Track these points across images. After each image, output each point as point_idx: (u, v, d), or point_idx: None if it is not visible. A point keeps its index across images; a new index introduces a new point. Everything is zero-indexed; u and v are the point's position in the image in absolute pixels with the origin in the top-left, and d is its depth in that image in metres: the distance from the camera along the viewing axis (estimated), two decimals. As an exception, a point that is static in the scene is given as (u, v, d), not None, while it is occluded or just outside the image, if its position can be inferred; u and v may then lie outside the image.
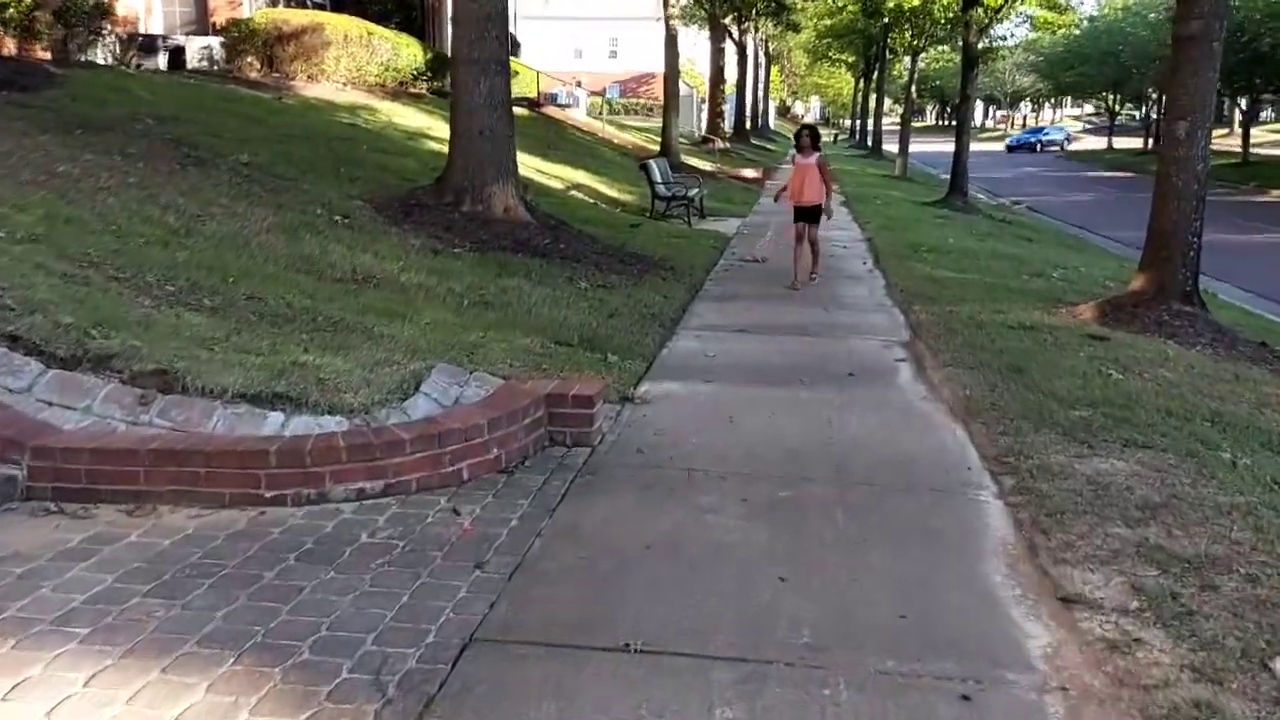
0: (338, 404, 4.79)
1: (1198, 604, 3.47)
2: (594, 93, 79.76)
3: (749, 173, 26.27)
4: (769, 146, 46.48)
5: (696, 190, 16.06)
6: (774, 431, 5.40)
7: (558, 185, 15.94)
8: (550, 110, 27.03)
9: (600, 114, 59.80)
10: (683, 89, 44.34)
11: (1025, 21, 30.50)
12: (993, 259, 13.53)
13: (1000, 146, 70.12)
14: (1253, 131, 63.16)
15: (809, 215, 10.29)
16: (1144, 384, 6.58)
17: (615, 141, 26.13)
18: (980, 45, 21.38)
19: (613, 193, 17.21)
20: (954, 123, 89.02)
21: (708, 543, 3.96)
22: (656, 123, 24.72)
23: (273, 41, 18.96)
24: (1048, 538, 4.03)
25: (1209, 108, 8.67)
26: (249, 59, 18.79)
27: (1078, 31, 49.46)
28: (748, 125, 48.11)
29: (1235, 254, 19.51)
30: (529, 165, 16.99)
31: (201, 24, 21.26)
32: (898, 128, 43.45)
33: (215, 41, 19.54)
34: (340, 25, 19.74)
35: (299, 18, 19.46)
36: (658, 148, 23.75)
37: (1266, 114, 66.32)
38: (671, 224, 14.86)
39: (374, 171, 11.76)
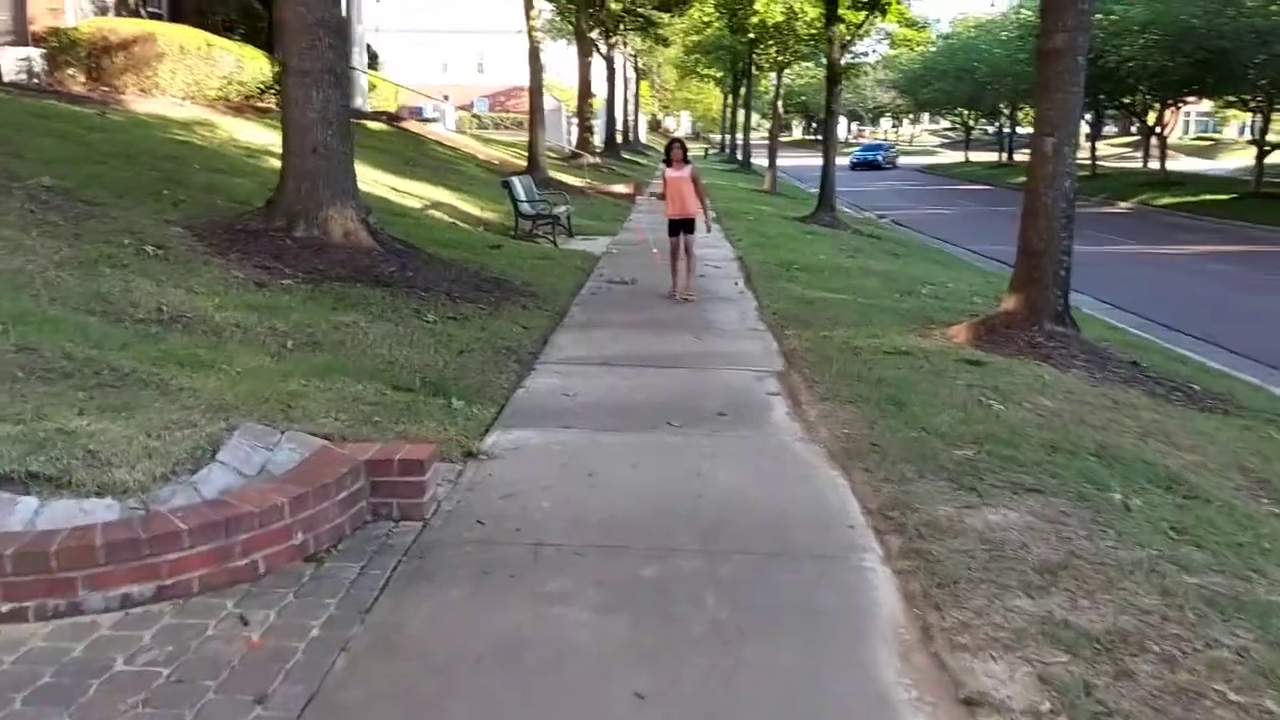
0: (109, 483, 3.94)
1: (1114, 699, 3.01)
2: (461, 107, 78.47)
3: (620, 188, 25.81)
4: (641, 161, 46.29)
5: (563, 208, 15.44)
6: (638, 487, 4.79)
7: (415, 204, 15.05)
8: (411, 125, 25.99)
9: (467, 128, 58.73)
10: (551, 103, 43.71)
11: (885, 38, 31.09)
12: (863, 276, 13.35)
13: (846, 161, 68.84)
14: (1096, 145, 66.88)
15: (687, 227, 10.44)
16: (1025, 415, 6.26)
17: (480, 157, 25.28)
18: (843, 61, 21.47)
19: (476, 211, 16.41)
20: (820, 137, 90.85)
21: (554, 646, 3.30)
22: (525, 137, 24.10)
23: (99, 53, 17.43)
24: (942, 615, 3.54)
25: (1075, 123, 8.57)
26: (71, 71, 17.22)
27: (933, 49, 51.26)
28: (619, 140, 47.85)
29: (1092, 266, 20.07)
30: (384, 183, 16.05)
31: (20, 34, 19.41)
32: (766, 142, 44.03)
33: (35, 53, 17.84)
34: (175, 36, 18.33)
35: (128, 28, 17.96)
36: (525, 164, 23.03)
37: (1109, 128, 70.10)
38: (537, 244, 14.18)
39: (201, 194, 10.69)
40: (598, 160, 32.74)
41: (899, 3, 20.88)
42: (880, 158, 61.73)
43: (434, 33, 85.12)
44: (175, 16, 22.24)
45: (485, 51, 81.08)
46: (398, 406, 5.59)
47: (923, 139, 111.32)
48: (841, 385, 6.75)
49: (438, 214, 14.92)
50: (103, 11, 20.41)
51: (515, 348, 7.45)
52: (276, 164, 13.99)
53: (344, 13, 27.30)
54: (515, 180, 14.81)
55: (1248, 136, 68.44)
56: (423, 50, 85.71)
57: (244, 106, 19.98)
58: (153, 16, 21.86)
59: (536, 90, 21.59)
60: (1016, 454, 5.41)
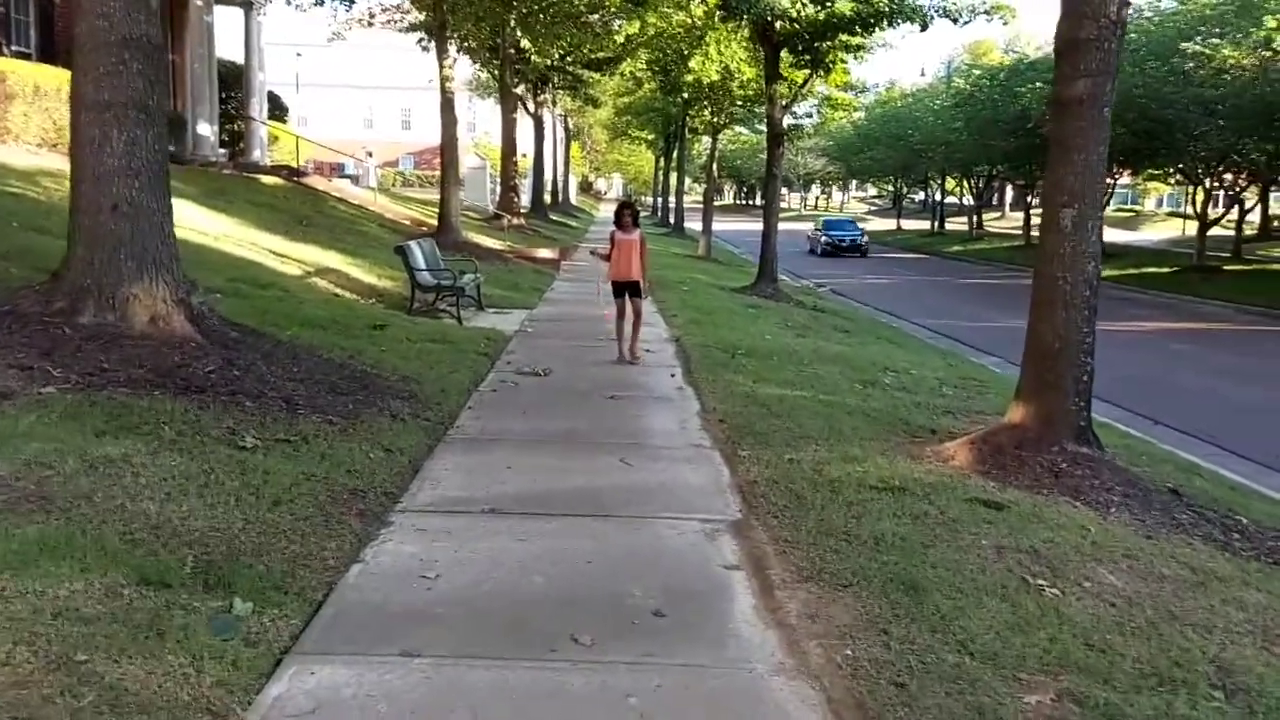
0: None
1: None
2: (387, 164, 76.58)
3: (544, 252, 23.90)
4: (570, 223, 44.61)
5: (471, 277, 13.37)
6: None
7: (294, 271, 12.85)
8: (313, 180, 23.79)
9: (392, 185, 56.58)
10: (475, 161, 41.93)
11: (819, 102, 30.00)
12: (817, 361, 11.49)
13: (800, 227, 56.15)
14: (1016, 215, 67.45)
15: (633, 289, 10.43)
16: (1094, 608, 4.31)
17: (389, 216, 23.14)
18: (785, 122, 19.98)
19: (370, 279, 14.25)
20: (752, 202, 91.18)
21: None
22: None
23: (-65, 91, 15.01)
24: None
25: (1099, 191, 6.82)
26: (-102, 113, 14.75)
27: (860, 115, 50.87)
28: (547, 200, 46.15)
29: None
30: (262, 246, 13.83)
31: None
32: (699, 206, 42.73)
33: None
34: (29, 75, 15.96)
35: (-31, 63, 15.56)
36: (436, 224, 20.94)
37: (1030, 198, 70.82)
38: (438, 320, 12.06)
39: (-6, 260, 8.41)
40: (521, 222, 30.82)
41: (842, 63, 19.55)
42: (861, 239, 42.76)
43: (358, 88, 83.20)
44: (46, 56, 19.82)
45: (412, 107, 79.31)
46: (134, 620, 3.43)
47: (851, 206, 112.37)
48: (826, 550, 4.75)
49: (321, 283, 12.72)
50: (-46, 47, 17.97)
51: (365, 488, 5.30)
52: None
53: (243, 59, 25.21)
54: (414, 245, 12.71)
55: (1166, 209, 70.04)
56: (347, 105, 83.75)
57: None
58: (18, 55, 19.44)
59: (450, 144, 19.59)
60: (1112, 695, 3.45)
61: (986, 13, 17.76)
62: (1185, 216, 59.39)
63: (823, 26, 17.76)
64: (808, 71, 19.54)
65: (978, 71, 44.86)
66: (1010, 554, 4.85)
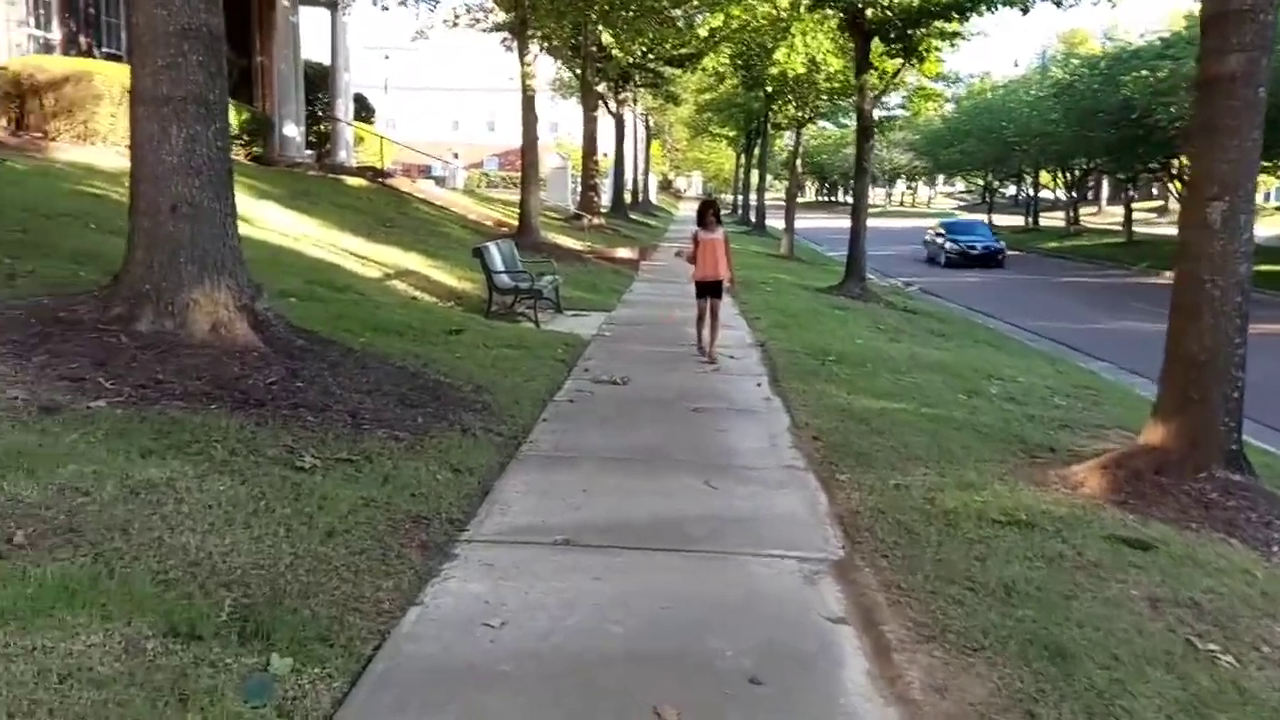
0: None
1: None
2: (472, 165, 77.32)
3: (624, 252, 23.43)
4: (650, 222, 44.12)
5: (549, 279, 12.94)
6: None
7: (373, 274, 12.58)
8: (397, 182, 23.74)
9: (477, 187, 56.91)
10: (557, 161, 41.79)
11: (910, 96, 28.88)
12: (915, 369, 10.73)
13: (886, 224, 53.44)
14: (1112, 209, 64.37)
15: (715, 290, 10.23)
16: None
17: (471, 218, 22.94)
18: (876, 114, 19.12)
19: (450, 281, 13.94)
20: (835, 199, 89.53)
21: None
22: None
23: (25, 94, 15.19)
24: None
25: (1252, 182, 6.00)
26: (-7, 116, 14.97)
27: (950, 107, 49.15)
28: (627, 200, 45.77)
29: (1159, 348, 17.47)
30: (343, 248, 13.62)
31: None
32: (779, 203, 41.82)
33: (-46, 95, 15.65)
34: (116, 76, 16.05)
35: (59, 66, 15.70)
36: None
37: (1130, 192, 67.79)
38: (515, 324, 11.65)
39: (64, 264, 8.24)
40: (602, 222, 30.43)
41: (936, 51, 18.62)
42: (997, 246, 35.06)
43: (445, 90, 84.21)
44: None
45: (496, 109, 79.83)
46: (154, 682, 2.99)
47: (938, 202, 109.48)
48: (948, 601, 4.11)
49: (400, 285, 12.43)
50: (47, 49, 18.28)
51: (429, 514, 4.82)
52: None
53: (330, 60, 25.32)
54: (492, 247, 12.32)
55: (1275, 203, 66.17)
56: (434, 108, 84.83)
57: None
58: (109, 58, 19.75)
59: (530, 144, 19.24)
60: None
61: (1094, -6, 16.65)
62: (1300, 210, 56.38)
63: (916, 13, 16.91)
64: (900, 61, 18.67)
65: (1076, 60, 42.96)
66: (1168, 608, 4.14)
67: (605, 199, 40.07)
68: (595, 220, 28.80)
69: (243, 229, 12.93)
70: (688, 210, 72.52)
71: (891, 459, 6.36)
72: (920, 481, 5.83)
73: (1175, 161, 38.29)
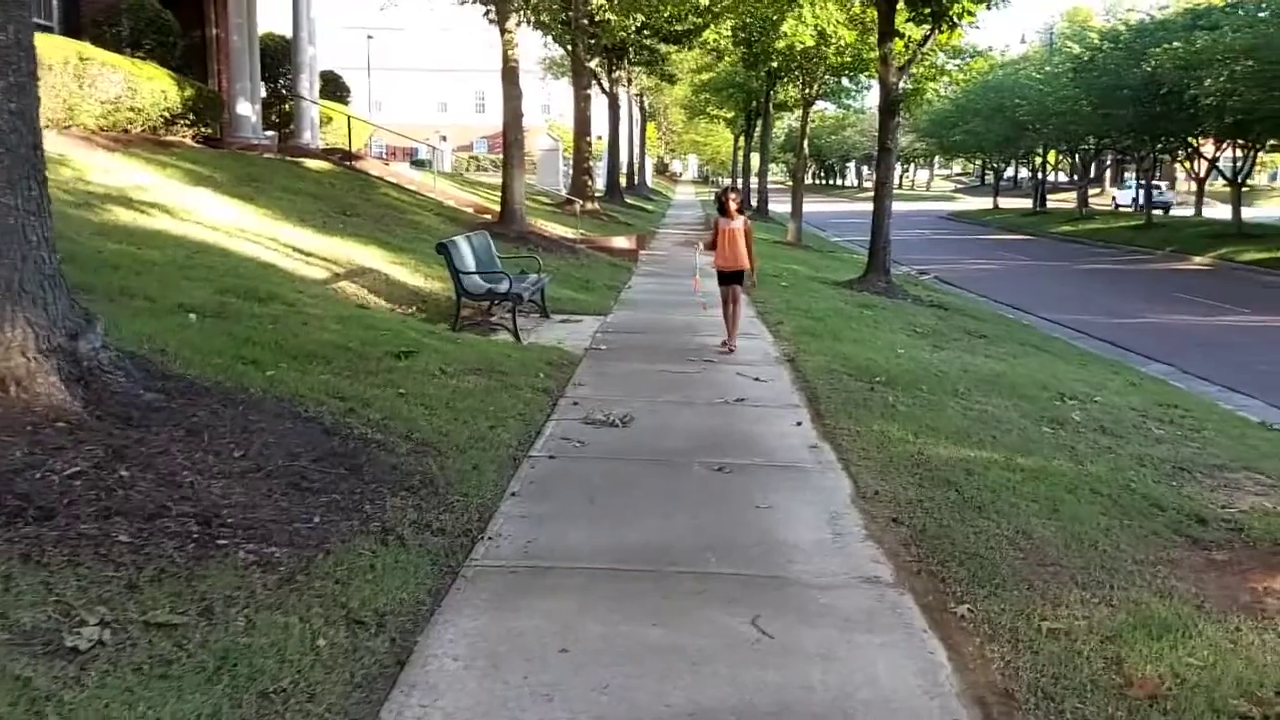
0: None
1: None
2: (461, 148, 74.86)
3: (620, 241, 21.33)
4: (646, 207, 41.94)
5: (532, 280, 10.85)
6: None
7: (318, 275, 10.47)
8: (367, 165, 21.55)
9: (466, 170, 54.62)
10: (548, 143, 39.55)
11: (935, 71, 26.63)
12: (975, 389, 8.69)
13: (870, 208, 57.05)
14: (1115, 191, 62.13)
15: (737, 278, 9.97)
16: None
17: (448, 204, 20.76)
18: (901, 86, 16.98)
19: (415, 280, 11.84)
20: (833, 182, 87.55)
21: None
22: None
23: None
24: None
25: None
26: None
27: (950, 87, 46.78)
28: (622, 183, 43.56)
29: (1225, 346, 15.49)
30: (284, 242, 11.50)
31: None
32: (778, 186, 39.79)
33: None
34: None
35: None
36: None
37: (1129, 175, 65.53)
38: (489, 338, 9.59)
39: None
40: (596, 207, 28.28)
41: (970, 15, 16.50)
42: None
43: (431, 71, 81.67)
44: (71, 31, 17.85)
45: (485, 90, 77.30)
46: None
47: (937, 184, 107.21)
48: None
49: (349, 289, 10.34)
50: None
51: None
52: (117, 217, 9.53)
53: (291, 33, 23.11)
54: (461, 241, 10.21)
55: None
56: (420, 89, 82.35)
57: (140, 139, 15.57)
58: (39, 30, 17.52)
59: (514, 121, 17.05)
60: None
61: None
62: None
63: (951, -31, 14.78)
64: (929, 26, 16.53)
65: (1094, 35, 40.72)
66: None
67: (600, 183, 37.95)
68: (589, 205, 26.65)
69: (160, 222, 10.88)
70: (684, 194, 70.28)
71: (1019, 566, 4.31)
72: (1082, 619, 3.78)
73: (1193, 140, 36.25)
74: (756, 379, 8.43)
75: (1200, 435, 8.22)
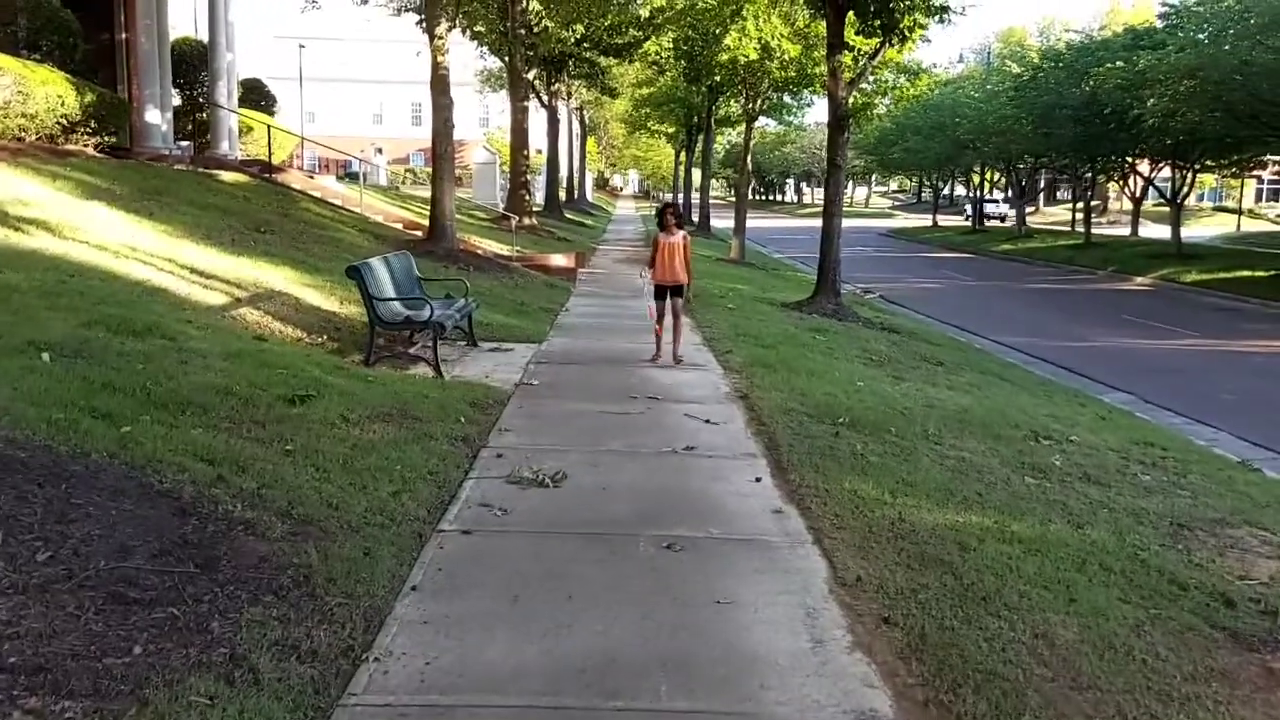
0: None
1: None
2: (397, 160, 73.22)
3: (558, 259, 20.33)
4: (586, 222, 41.03)
5: (458, 306, 9.82)
6: None
7: (216, 300, 9.31)
8: (288, 177, 20.27)
9: (403, 182, 53.10)
10: (484, 156, 38.36)
11: (881, 88, 26.22)
12: (946, 429, 7.90)
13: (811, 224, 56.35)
14: (1049, 210, 62.85)
15: (675, 291, 10.05)
16: None
17: (374, 219, 19.56)
18: (850, 101, 16.29)
19: (329, 304, 10.72)
20: (772, 198, 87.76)
21: None
22: (458, 195, 17.89)
23: None
24: None
25: None
26: None
27: (888, 105, 46.69)
28: (562, 197, 42.56)
29: (1177, 372, 15.03)
30: (181, 263, 10.31)
31: None
32: (721, 203, 39.13)
33: None
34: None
35: None
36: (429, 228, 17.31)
37: (1062, 193, 66.38)
38: (406, 373, 8.54)
39: None
40: (534, 222, 27.25)
41: (921, 28, 15.90)
42: None
43: (367, 83, 79.83)
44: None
45: (423, 102, 75.53)
46: None
47: (875, 201, 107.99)
48: None
49: (250, 317, 9.18)
50: None
51: None
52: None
53: (208, 38, 21.74)
54: (376, 264, 9.13)
55: (1209, 203, 65.31)
56: (355, 101, 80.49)
57: (33, 148, 14.19)
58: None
59: (444, 131, 15.96)
60: None
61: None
62: (1232, 211, 55.26)
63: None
64: (879, 39, 15.88)
65: (1034, 54, 40.91)
66: None
67: (539, 197, 36.87)
68: (526, 220, 25.61)
69: (37, 241, 9.59)
70: (625, 209, 69.48)
71: (1049, 691, 3.43)
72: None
73: (1130, 159, 36.46)
74: (707, 421, 7.51)
75: (1188, 482, 7.58)
